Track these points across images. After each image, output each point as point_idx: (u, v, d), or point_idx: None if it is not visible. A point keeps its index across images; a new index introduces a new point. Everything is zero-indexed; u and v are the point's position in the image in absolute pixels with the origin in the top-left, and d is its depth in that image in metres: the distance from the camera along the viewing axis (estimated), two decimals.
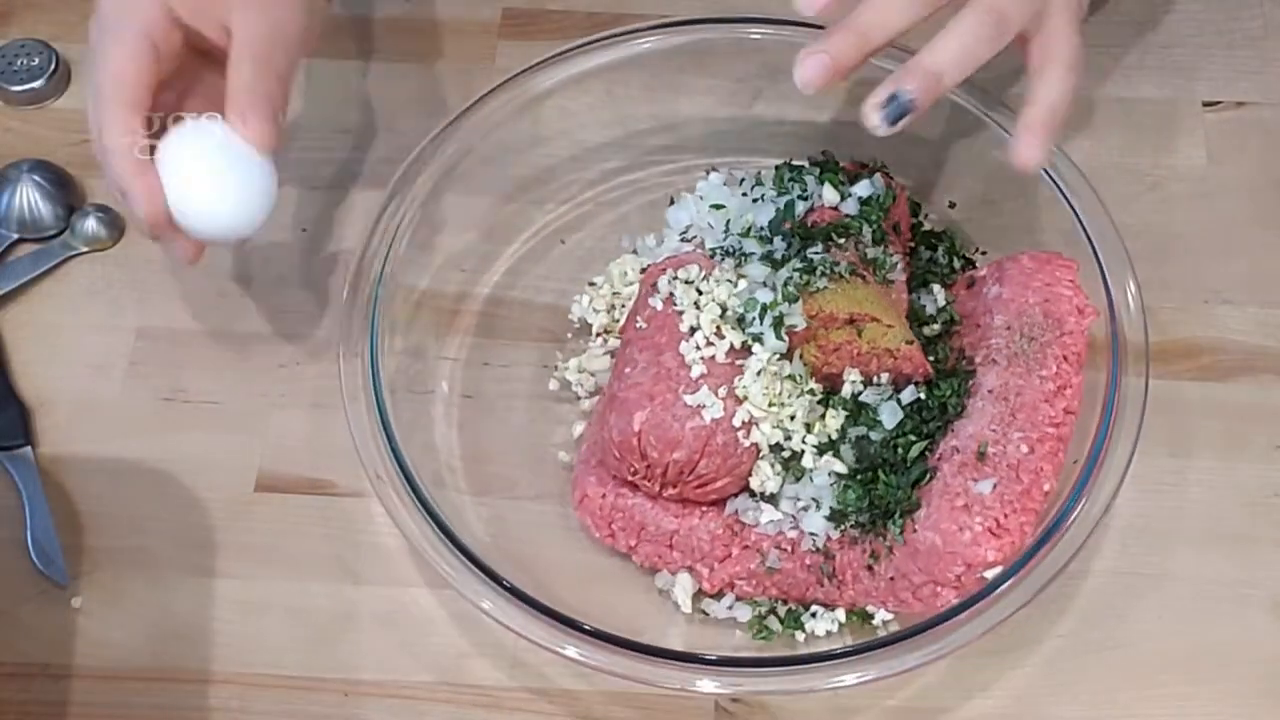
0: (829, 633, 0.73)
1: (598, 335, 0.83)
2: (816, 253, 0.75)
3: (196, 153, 0.72)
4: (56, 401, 0.82)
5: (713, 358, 0.73)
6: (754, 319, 0.73)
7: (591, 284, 0.85)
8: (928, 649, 0.68)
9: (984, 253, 0.84)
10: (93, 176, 0.89)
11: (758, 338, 0.73)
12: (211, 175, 0.71)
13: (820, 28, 0.69)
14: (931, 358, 0.76)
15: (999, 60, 0.70)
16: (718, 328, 0.74)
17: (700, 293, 0.75)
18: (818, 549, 0.73)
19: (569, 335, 0.84)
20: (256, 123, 0.71)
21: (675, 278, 0.76)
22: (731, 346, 0.73)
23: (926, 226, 0.86)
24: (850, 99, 0.79)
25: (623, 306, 0.83)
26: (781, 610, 0.75)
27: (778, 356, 0.73)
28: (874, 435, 0.74)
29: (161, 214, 0.71)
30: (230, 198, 0.72)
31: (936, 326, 0.80)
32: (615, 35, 0.83)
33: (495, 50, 0.92)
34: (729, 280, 0.75)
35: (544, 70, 0.83)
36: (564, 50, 0.80)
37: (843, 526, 0.73)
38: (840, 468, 0.74)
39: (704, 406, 0.72)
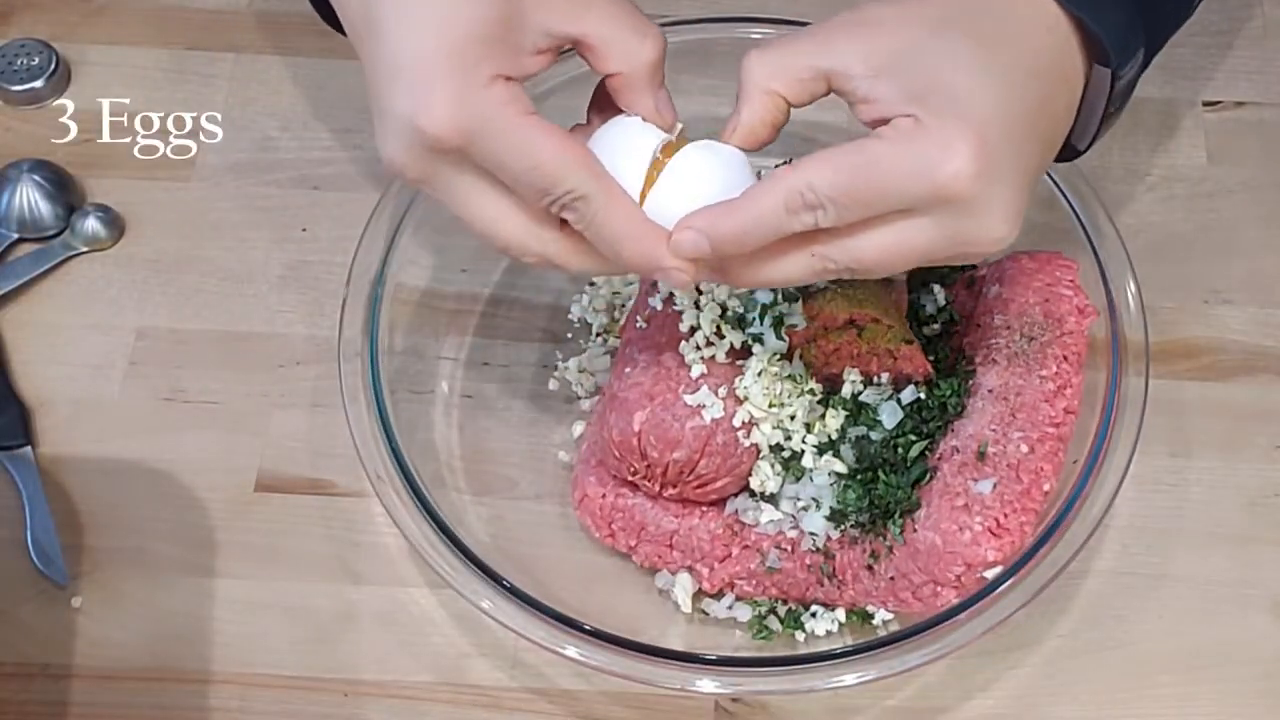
0: (829, 633, 0.73)
1: (598, 335, 0.83)
2: None
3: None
4: (56, 401, 0.81)
5: (713, 358, 0.73)
6: (754, 319, 0.73)
7: (591, 284, 0.85)
8: (928, 649, 0.68)
9: None
10: (93, 176, 0.89)
11: (758, 338, 0.73)
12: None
13: None
14: (931, 358, 0.76)
15: None
16: (718, 328, 0.74)
17: (700, 292, 0.75)
18: (818, 549, 0.73)
19: (569, 335, 0.84)
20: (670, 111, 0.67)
21: None
22: (731, 346, 0.73)
23: None
24: None
25: (623, 306, 0.84)
26: (781, 610, 0.75)
27: (778, 356, 0.73)
28: (874, 435, 0.74)
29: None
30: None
31: (936, 326, 0.80)
32: None
33: None
34: None
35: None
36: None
37: (843, 526, 0.73)
38: (840, 468, 0.74)
39: (704, 406, 0.72)
